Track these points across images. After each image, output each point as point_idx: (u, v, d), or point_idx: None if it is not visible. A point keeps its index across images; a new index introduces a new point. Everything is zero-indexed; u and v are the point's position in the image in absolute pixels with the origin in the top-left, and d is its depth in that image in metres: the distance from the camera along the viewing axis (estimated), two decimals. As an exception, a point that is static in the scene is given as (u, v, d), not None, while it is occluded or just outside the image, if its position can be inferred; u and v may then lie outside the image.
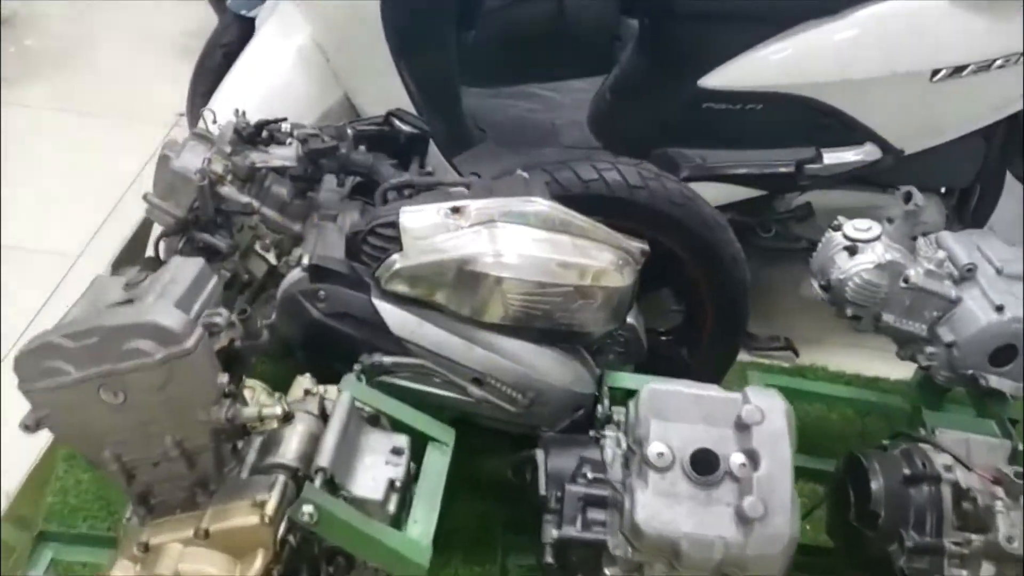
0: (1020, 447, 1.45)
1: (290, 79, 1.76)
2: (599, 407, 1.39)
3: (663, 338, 1.74)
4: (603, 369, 1.46)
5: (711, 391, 1.15)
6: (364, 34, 1.71)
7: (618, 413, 1.34)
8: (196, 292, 1.11)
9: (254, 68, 1.79)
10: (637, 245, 1.40)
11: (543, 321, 1.35)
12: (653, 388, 1.13)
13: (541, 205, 1.36)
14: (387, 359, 1.39)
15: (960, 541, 1.27)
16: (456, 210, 1.36)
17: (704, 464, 1.04)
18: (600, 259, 1.36)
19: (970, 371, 1.60)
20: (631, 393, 1.43)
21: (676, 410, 1.09)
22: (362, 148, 1.57)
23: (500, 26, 2.34)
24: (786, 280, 2.51)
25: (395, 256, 1.35)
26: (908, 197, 1.61)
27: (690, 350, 1.71)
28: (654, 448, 1.05)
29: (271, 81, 1.76)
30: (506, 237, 1.33)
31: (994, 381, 1.59)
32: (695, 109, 1.94)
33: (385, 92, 1.78)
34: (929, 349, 1.65)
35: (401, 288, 1.36)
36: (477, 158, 2.01)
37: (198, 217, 1.44)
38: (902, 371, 1.71)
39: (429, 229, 1.35)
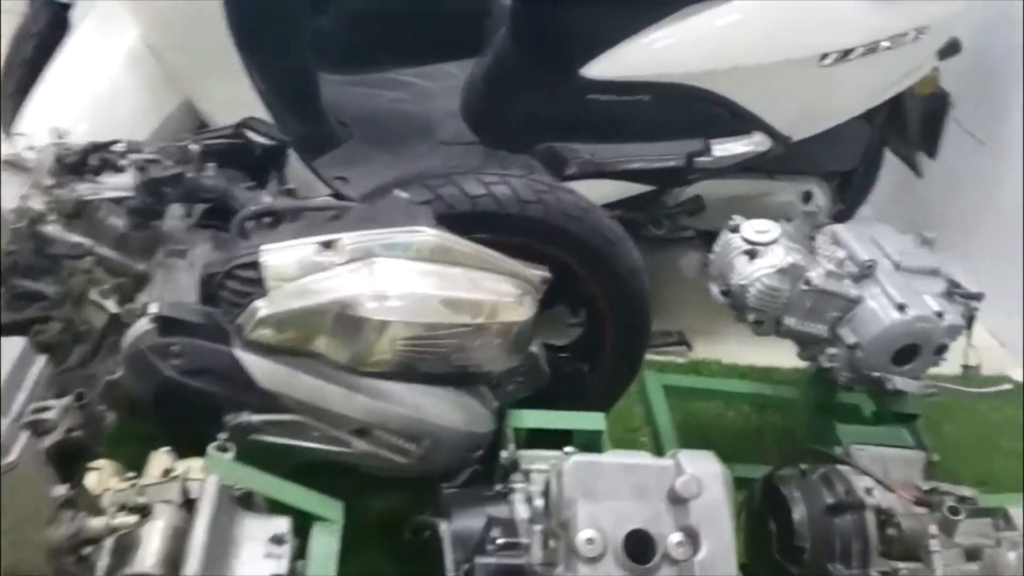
0: (935, 457, 1.41)
1: (118, 87, 1.52)
2: (503, 452, 1.26)
3: (561, 355, 1.62)
4: (503, 405, 1.33)
5: (639, 459, 1.04)
6: (204, 29, 1.48)
7: (526, 460, 1.22)
8: (16, 383, 0.90)
9: (73, 76, 1.53)
10: (537, 273, 1.27)
11: (436, 364, 1.21)
12: (577, 462, 1.00)
13: (427, 235, 1.21)
14: (256, 418, 1.21)
15: (887, 571, 1.21)
16: (328, 244, 1.19)
17: (639, 548, 0.92)
18: (498, 292, 1.22)
19: (874, 373, 1.56)
20: (536, 432, 1.31)
21: (604, 486, 0.97)
22: (211, 168, 1.36)
23: (358, 4, 2.13)
24: (672, 267, 2.45)
25: (259, 302, 1.17)
26: (807, 197, 1.54)
27: (591, 366, 1.59)
28: (583, 535, 0.93)
29: (95, 91, 1.51)
30: (389, 274, 1.17)
31: (899, 383, 1.55)
32: (578, 100, 1.80)
33: (233, 93, 1.57)
34: (831, 350, 1.59)
35: (269, 337, 1.18)
36: (342, 160, 1.82)
37: (17, 263, 1.21)
38: (794, 358, 1.67)
39: (298, 268, 1.18)
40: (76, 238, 1.23)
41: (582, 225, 1.44)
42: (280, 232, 1.24)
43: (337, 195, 1.73)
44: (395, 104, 2.04)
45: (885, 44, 1.81)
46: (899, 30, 1.81)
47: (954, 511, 1.13)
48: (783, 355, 1.74)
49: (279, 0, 1.58)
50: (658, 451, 1.80)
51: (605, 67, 1.77)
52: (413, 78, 2.14)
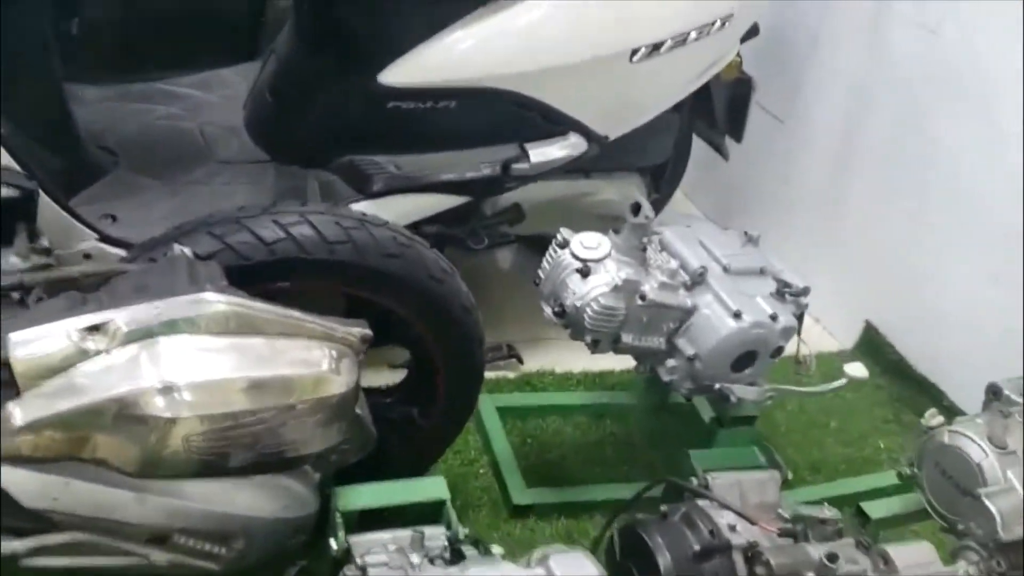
0: (789, 475, 1.37)
1: None
2: (332, 541, 1.10)
3: (386, 400, 1.46)
4: (325, 478, 1.16)
5: (510, 570, 0.90)
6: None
7: (360, 548, 1.06)
8: None
9: None
10: (356, 331, 1.10)
11: (244, 456, 1.02)
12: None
13: (216, 303, 1.01)
14: (22, 544, 0.99)
15: (762, 610, 1.14)
16: (96, 328, 0.97)
17: None
18: (309, 363, 1.04)
19: (715, 384, 1.50)
20: (368, 513, 1.15)
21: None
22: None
23: (114, 5, 1.86)
24: (488, 268, 2.33)
25: (12, 406, 0.94)
26: (637, 209, 1.45)
27: (422, 410, 1.44)
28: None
29: None
30: (175, 358, 0.97)
31: (740, 392, 1.50)
32: (378, 109, 1.63)
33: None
34: (670, 363, 1.52)
35: (30, 446, 0.95)
36: (108, 194, 1.57)
37: None
38: (626, 360, 1.60)
39: (60, 360, 0.95)
40: None
41: (403, 264, 1.28)
42: (33, 313, 1.00)
43: (105, 238, 1.49)
44: (166, 121, 1.79)
45: (693, 35, 1.75)
46: (706, 20, 1.76)
47: (832, 558, 1.07)
48: (615, 358, 1.67)
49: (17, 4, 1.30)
50: (500, 485, 1.70)
51: (405, 72, 1.60)
52: (186, 88, 1.89)
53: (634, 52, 1.69)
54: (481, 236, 1.81)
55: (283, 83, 1.70)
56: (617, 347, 1.50)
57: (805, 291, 1.58)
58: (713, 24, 1.78)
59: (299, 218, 1.23)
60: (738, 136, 2.16)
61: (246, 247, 1.19)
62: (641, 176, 2.07)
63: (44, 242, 1.22)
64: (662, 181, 2.16)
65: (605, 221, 1.95)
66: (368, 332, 1.11)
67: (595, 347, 1.50)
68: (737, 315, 1.46)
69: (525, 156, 1.72)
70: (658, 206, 2.16)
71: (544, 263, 1.52)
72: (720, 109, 2.10)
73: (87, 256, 1.44)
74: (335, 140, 1.67)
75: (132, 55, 1.92)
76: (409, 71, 1.60)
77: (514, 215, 1.83)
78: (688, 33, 1.74)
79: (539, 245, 2.08)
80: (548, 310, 1.50)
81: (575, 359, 2.01)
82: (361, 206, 1.65)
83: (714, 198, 2.57)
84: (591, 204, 1.95)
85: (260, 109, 1.74)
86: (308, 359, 1.04)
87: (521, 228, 1.91)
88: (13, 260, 1.15)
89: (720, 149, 2.18)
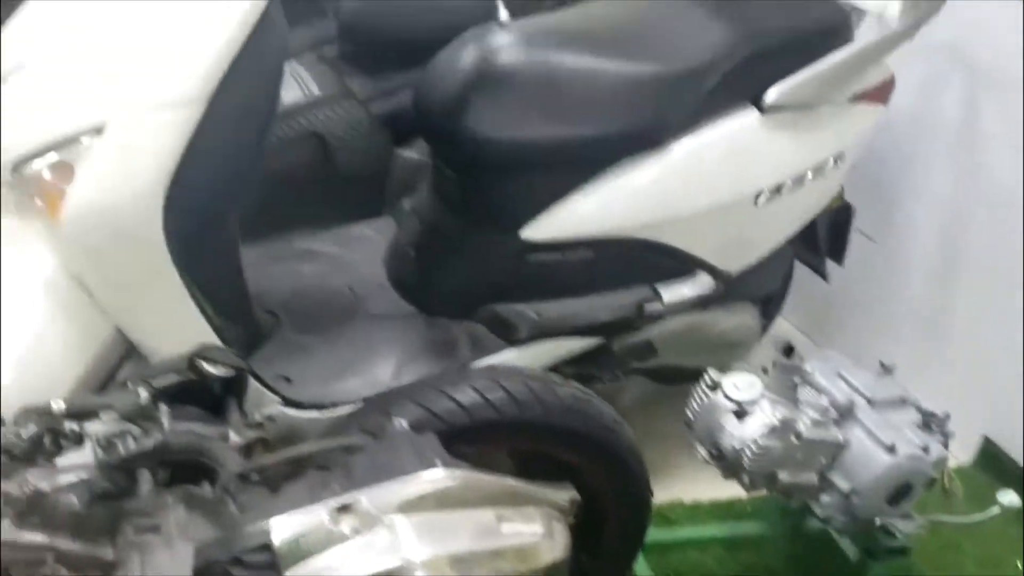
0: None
1: (42, 328, 1.32)
2: None
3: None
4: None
5: None
6: (144, 257, 1.31)
7: None
8: None
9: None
10: (565, 495, 1.16)
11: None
12: None
13: (445, 477, 1.08)
14: None
15: None
16: (344, 508, 1.05)
17: None
18: (531, 530, 1.11)
19: (875, 518, 1.55)
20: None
21: None
22: (176, 419, 1.18)
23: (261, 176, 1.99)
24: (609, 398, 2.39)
25: (277, 590, 1.01)
26: (789, 351, 1.52)
27: (590, 555, 1.49)
28: None
29: (15, 337, 1.29)
30: (421, 536, 1.04)
31: (901, 527, 1.54)
32: (520, 262, 1.74)
33: (172, 321, 1.40)
34: (825, 498, 1.57)
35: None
36: (277, 356, 1.66)
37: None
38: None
39: (315, 543, 1.02)
40: (31, 536, 1.03)
41: (583, 418, 1.36)
42: (282, 498, 1.08)
43: (286, 400, 1.58)
44: (316, 280, 1.90)
45: (809, 176, 1.85)
46: (821, 160, 1.86)
47: None
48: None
49: (217, 209, 1.42)
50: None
51: (545, 228, 1.71)
52: (327, 246, 2.01)
53: (758, 196, 1.79)
54: (615, 373, 1.89)
55: (425, 240, 1.82)
56: (772, 485, 1.55)
57: (947, 418, 1.63)
58: (827, 163, 1.88)
59: (492, 383, 1.31)
60: (839, 260, 2.25)
61: (448, 414, 1.27)
62: (753, 304, 2.14)
63: (256, 416, 1.32)
64: (770, 308, 2.24)
65: (724, 350, 2.05)
66: (577, 496, 1.17)
67: (751, 486, 1.55)
68: (891, 449, 1.51)
69: (658, 297, 1.81)
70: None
71: (693, 404, 1.59)
72: (822, 235, 2.19)
73: (271, 420, 1.53)
74: (478, 292, 1.77)
75: (272, 216, 2.04)
76: (549, 227, 1.71)
77: (647, 351, 1.91)
78: (805, 174, 1.85)
79: (657, 376, 2.18)
80: (703, 452, 1.56)
81: (702, 488, 2.05)
82: (507, 354, 1.75)
83: (811, 318, 2.63)
84: (711, 335, 2.02)
85: (403, 264, 1.85)
86: (531, 527, 1.10)
87: (647, 363, 1.98)
88: (233, 436, 1.24)
89: (822, 273, 2.27)
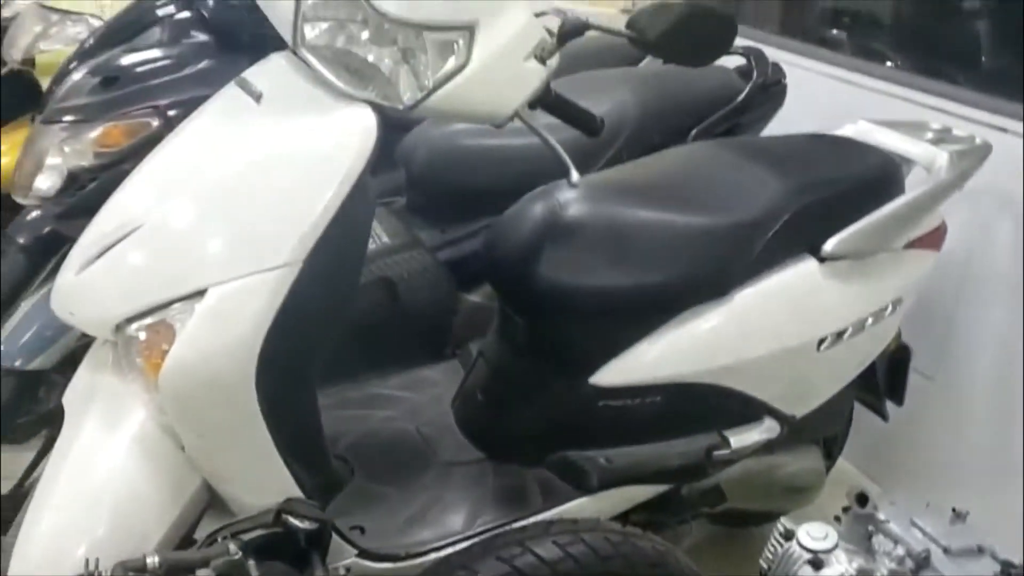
0: None
1: (137, 483, 1.36)
2: None
3: None
4: None
5: None
6: (236, 413, 1.36)
7: None
8: None
9: (81, 478, 1.36)
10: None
11: None
12: None
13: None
14: None
15: None
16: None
17: None
18: None
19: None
20: None
21: None
22: (254, 568, 1.21)
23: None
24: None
25: None
26: (863, 500, 1.53)
27: None
28: None
29: (106, 491, 1.34)
30: None
31: None
32: (589, 408, 1.76)
33: (257, 472, 1.43)
34: (906, 651, 1.54)
35: None
36: (351, 505, 1.68)
37: None
38: None
39: None
40: None
41: (662, 571, 1.36)
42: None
43: (361, 552, 1.59)
44: (386, 424, 1.93)
45: (870, 321, 1.89)
46: (880, 306, 1.90)
47: None
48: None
49: (306, 360, 1.48)
50: None
51: (615, 374, 1.74)
52: (395, 390, 2.05)
53: (821, 342, 1.83)
54: (686, 520, 1.89)
55: (493, 385, 1.86)
56: (854, 637, 1.53)
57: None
58: (886, 309, 1.92)
59: (573, 537, 1.33)
60: (899, 400, 2.26)
61: (531, 568, 1.29)
62: (816, 446, 2.15)
63: (340, 570, 1.34)
64: (833, 449, 2.24)
65: (790, 493, 2.05)
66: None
67: (830, 637, 1.53)
68: (972, 598, 1.49)
69: (726, 442, 1.82)
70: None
71: (768, 554, 1.59)
72: (881, 376, 2.21)
73: (348, 571, 1.54)
74: (548, 438, 1.79)
75: (342, 360, 2.10)
76: (618, 373, 1.74)
77: (715, 497, 1.91)
78: (866, 319, 1.89)
79: (722, 519, 2.17)
80: (780, 602, 1.55)
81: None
82: (579, 502, 1.76)
83: (873, 459, 2.61)
84: (777, 479, 2.02)
85: (472, 409, 1.89)
86: None
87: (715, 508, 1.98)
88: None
89: (882, 413, 2.27)
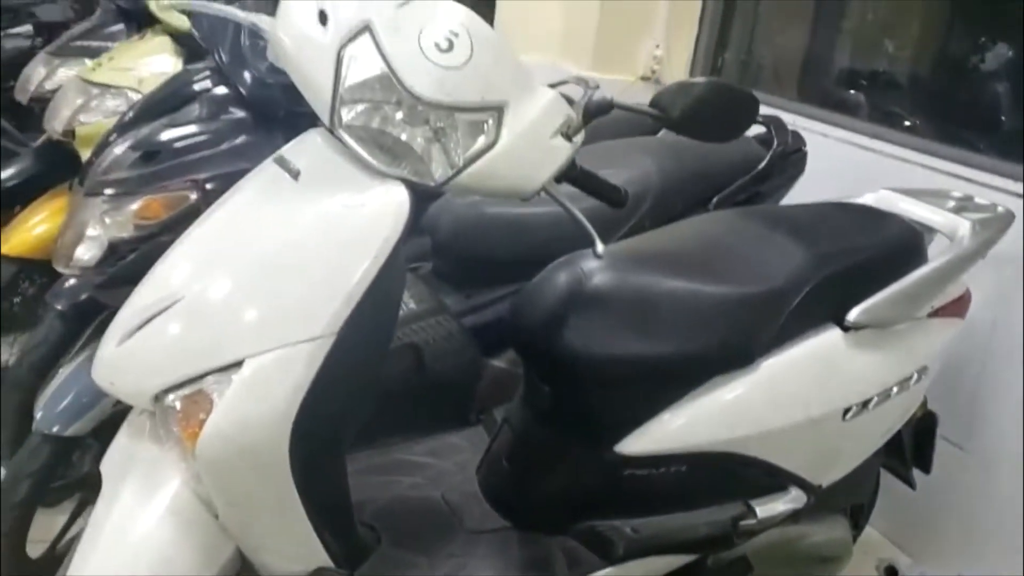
0: None
1: (173, 550, 1.38)
2: None
3: None
4: None
5: None
6: (270, 481, 1.39)
7: None
8: None
9: (118, 544, 1.39)
10: None
11: None
12: None
13: None
14: None
15: None
16: None
17: None
18: None
19: None
20: None
21: None
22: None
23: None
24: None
25: None
26: (893, 573, 1.52)
27: None
28: None
29: (148, 559, 1.36)
30: None
31: None
32: (615, 476, 1.77)
33: (288, 539, 1.45)
34: None
35: None
36: (380, 574, 1.69)
37: None
38: None
39: None
40: None
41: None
42: None
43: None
44: (412, 491, 1.95)
45: (895, 390, 1.90)
46: (906, 375, 1.91)
47: None
48: None
49: (338, 428, 1.50)
50: None
51: (641, 442, 1.76)
52: (420, 456, 2.07)
53: (846, 411, 1.84)
54: (714, 591, 1.88)
55: (518, 452, 1.88)
56: None
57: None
58: (911, 378, 1.93)
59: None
60: (926, 468, 2.25)
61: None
62: (843, 516, 2.14)
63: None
64: (860, 517, 2.23)
65: (817, 563, 2.04)
66: None
67: None
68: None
69: (752, 512, 1.82)
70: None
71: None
72: (908, 444, 2.20)
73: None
74: (573, 507, 1.80)
75: (367, 426, 2.12)
76: (645, 441, 1.75)
77: (741, 567, 1.90)
78: (891, 388, 1.90)
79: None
80: None
81: None
82: (604, 572, 1.77)
83: (900, 527, 2.59)
84: (804, 549, 2.01)
85: (497, 477, 1.90)
86: None
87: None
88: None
89: (909, 481, 2.26)
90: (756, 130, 2.62)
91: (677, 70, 4.47)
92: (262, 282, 1.40)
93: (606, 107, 1.50)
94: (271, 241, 1.41)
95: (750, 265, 1.87)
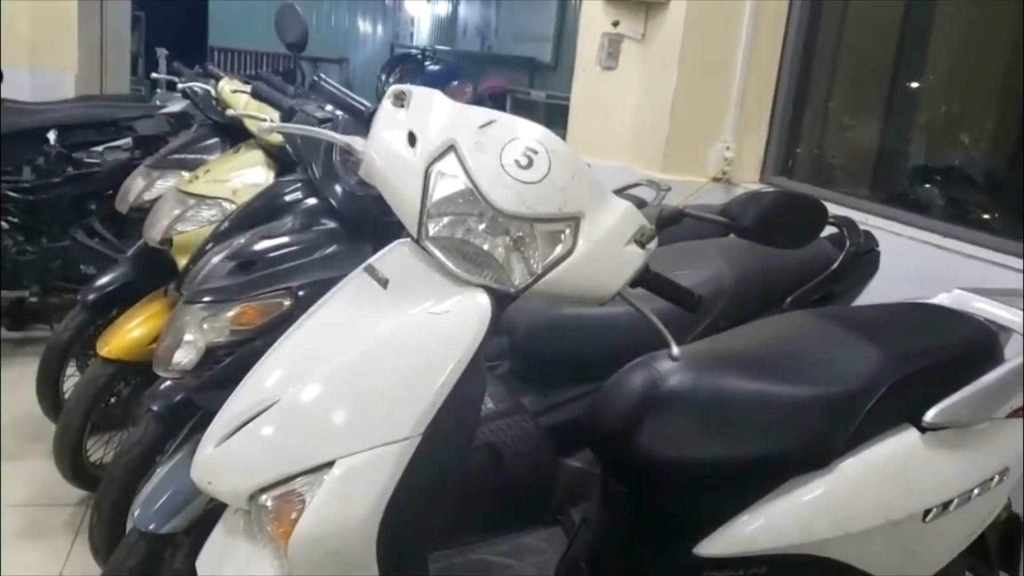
0: None
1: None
2: None
3: None
4: None
5: None
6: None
7: None
8: None
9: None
10: None
11: None
12: None
13: None
14: None
15: None
16: None
17: None
18: None
19: None
20: None
21: None
22: None
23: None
24: None
25: None
26: None
27: None
28: None
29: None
30: None
31: None
32: (693, 578, 1.78)
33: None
34: None
35: None
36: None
37: None
38: None
39: None
40: None
41: None
42: None
43: None
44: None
45: (976, 492, 1.87)
46: (986, 476, 1.89)
47: None
48: None
49: (422, 527, 1.56)
50: None
51: (717, 545, 1.76)
52: (499, 557, 2.09)
53: (927, 513, 1.82)
54: None
55: (597, 555, 1.89)
56: None
57: None
58: (992, 479, 1.90)
59: None
60: (1014, 572, 2.19)
61: None
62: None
63: None
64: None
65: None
66: None
67: None
68: None
69: (829, 615, 1.80)
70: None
71: None
72: (993, 548, 2.15)
73: None
74: (652, 608, 1.81)
75: (446, 526, 2.16)
76: (724, 543, 1.76)
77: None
78: (972, 490, 1.87)
79: None
80: None
81: None
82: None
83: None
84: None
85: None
86: None
87: None
88: None
89: (996, 585, 2.20)
90: (829, 230, 2.66)
91: (748, 170, 4.55)
92: (352, 386, 1.48)
93: (678, 216, 1.57)
94: (361, 347, 1.49)
95: (825, 366, 1.88)
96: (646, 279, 1.60)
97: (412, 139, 1.53)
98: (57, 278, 4.50)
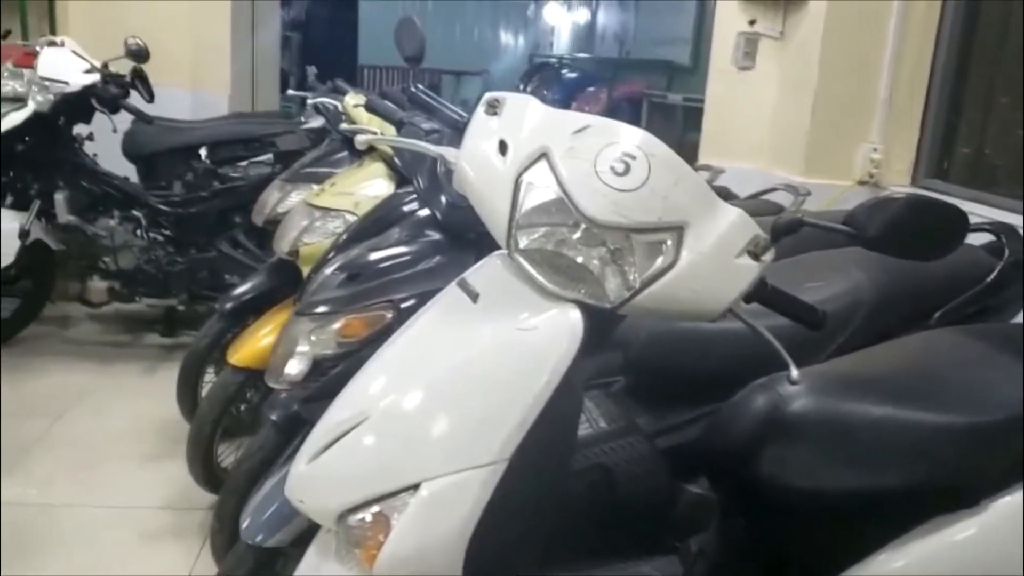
0: None
1: None
2: None
3: None
4: None
5: None
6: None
7: None
8: None
9: None
10: None
11: None
12: None
13: None
14: None
15: None
16: None
17: None
18: None
19: None
20: None
21: None
22: None
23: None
24: None
25: None
26: None
27: None
28: None
29: None
30: None
31: None
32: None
33: None
34: None
35: None
36: None
37: None
38: None
39: None
40: None
41: None
42: None
43: None
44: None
45: None
46: None
47: None
48: None
49: (512, 554, 1.48)
50: None
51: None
52: (611, 586, 1.98)
53: None
54: None
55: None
56: None
57: None
58: None
59: None
60: None
61: None
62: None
63: None
64: None
65: None
66: None
67: None
68: None
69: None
70: None
71: None
72: None
73: None
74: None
75: (555, 548, 2.07)
76: (856, 584, 1.60)
77: None
78: None
79: None
80: None
81: None
82: None
83: None
84: None
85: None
86: None
87: None
88: None
89: None
90: (985, 238, 2.42)
91: (898, 173, 4.26)
92: (438, 407, 1.41)
93: (795, 225, 1.42)
94: (448, 364, 1.43)
95: (975, 391, 1.68)
96: (763, 293, 1.46)
97: (503, 147, 1.45)
98: (204, 287, 4.72)
